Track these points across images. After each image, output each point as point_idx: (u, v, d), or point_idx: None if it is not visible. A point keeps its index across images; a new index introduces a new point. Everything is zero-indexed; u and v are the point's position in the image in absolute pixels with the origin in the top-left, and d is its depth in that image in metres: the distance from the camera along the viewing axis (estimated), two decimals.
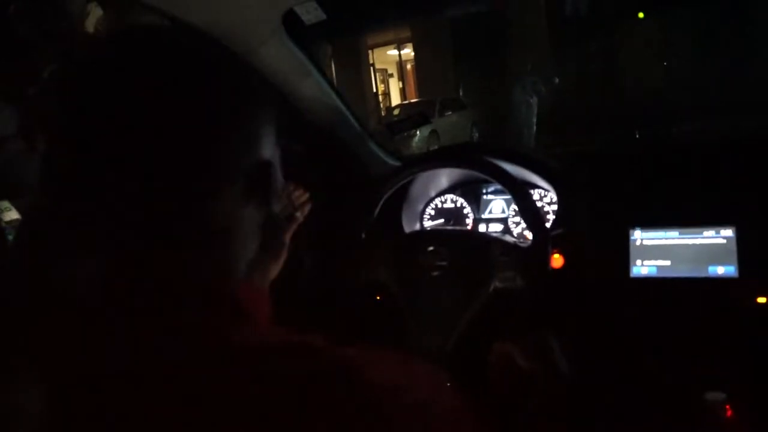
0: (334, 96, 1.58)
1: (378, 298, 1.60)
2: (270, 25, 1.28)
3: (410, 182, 1.70)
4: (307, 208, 1.06)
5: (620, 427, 1.22)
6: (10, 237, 1.45)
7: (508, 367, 1.01)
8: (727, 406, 1.12)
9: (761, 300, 1.25)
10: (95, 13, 1.27)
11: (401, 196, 1.72)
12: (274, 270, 0.68)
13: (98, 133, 0.51)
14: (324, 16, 1.31)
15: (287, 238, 0.77)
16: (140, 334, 0.50)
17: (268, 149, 0.60)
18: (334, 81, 1.55)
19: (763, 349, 1.21)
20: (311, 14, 1.29)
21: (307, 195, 1.07)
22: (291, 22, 1.32)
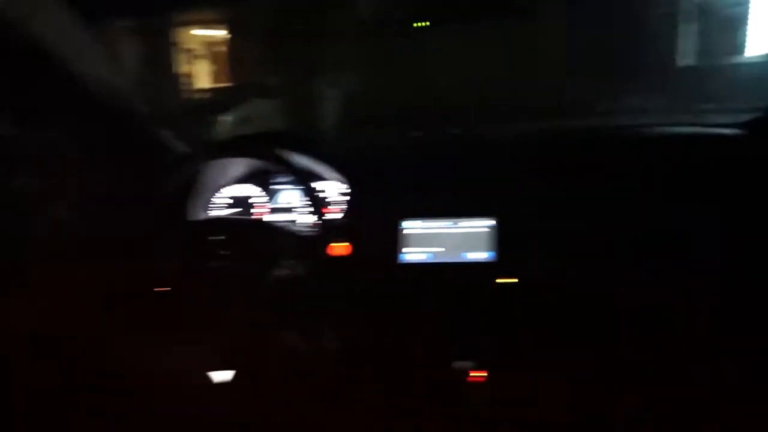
0: (117, 75, 1.49)
1: (163, 289, 1.57)
2: None
3: (199, 171, 1.68)
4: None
5: (379, 399, 1.34)
6: None
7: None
8: (471, 372, 1.29)
9: (513, 280, 1.44)
10: None
11: (190, 186, 1.69)
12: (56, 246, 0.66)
13: None
14: None
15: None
16: None
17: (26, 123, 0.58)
18: (129, 58, 1.47)
19: (507, 324, 1.40)
20: None
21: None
22: None
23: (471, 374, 1.29)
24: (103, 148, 1.63)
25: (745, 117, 1.56)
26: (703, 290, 1.32)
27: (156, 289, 1.54)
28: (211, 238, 1.41)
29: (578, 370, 1.29)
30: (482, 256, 1.49)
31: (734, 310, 1.31)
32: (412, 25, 1.49)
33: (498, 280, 1.41)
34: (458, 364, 1.28)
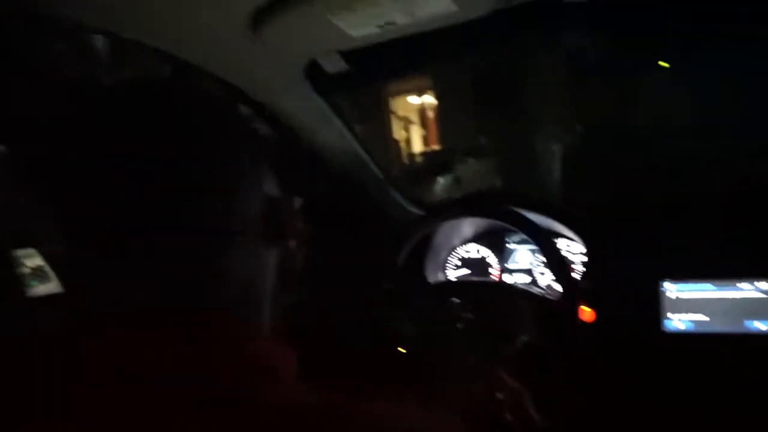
0: (354, 143, 1.57)
1: (402, 350, 1.56)
2: (293, 75, 1.29)
3: (434, 232, 1.68)
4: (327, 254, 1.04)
5: None
6: (34, 283, 1.45)
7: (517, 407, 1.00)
8: None
9: None
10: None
11: (425, 246, 1.70)
12: (297, 319, 0.67)
13: (113, 179, 0.50)
14: (347, 67, 1.32)
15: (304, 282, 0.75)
16: (172, 396, 0.48)
17: (287, 194, 0.59)
18: (355, 129, 1.57)
19: None
20: (334, 65, 1.30)
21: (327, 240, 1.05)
22: (314, 71, 1.33)
23: None
24: (347, 215, 1.72)
25: None
26: None
27: (399, 349, 1.55)
28: (455, 300, 1.37)
29: None
30: (762, 326, 1.25)
31: None
32: (656, 63, 1.35)
33: None
34: None
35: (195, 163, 0.52)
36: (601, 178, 1.89)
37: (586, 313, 1.36)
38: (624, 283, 1.37)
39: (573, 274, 1.44)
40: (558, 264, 1.34)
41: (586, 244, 1.50)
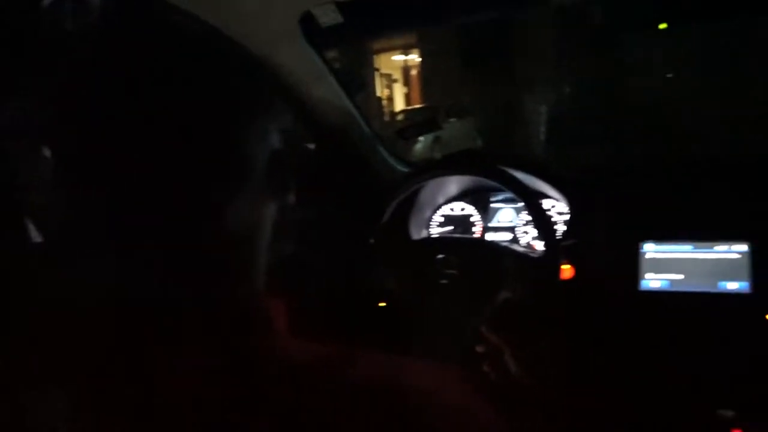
0: (347, 100, 1.57)
1: (383, 304, 1.59)
2: (287, 26, 1.27)
3: (419, 189, 1.69)
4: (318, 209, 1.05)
5: None
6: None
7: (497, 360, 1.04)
8: (736, 426, 1.11)
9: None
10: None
11: (409, 203, 1.71)
12: (287, 272, 0.68)
13: (111, 125, 0.50)
14: (341, 20, 1.30)
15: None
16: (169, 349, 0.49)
17: (280, 146, 0.60)
18: (346, 85, 1.56)
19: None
20: (328, 17, 1.28)
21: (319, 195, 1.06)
22: (308, 24, 1.32)
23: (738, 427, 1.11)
24: (332, 170, 1.73)
25: None
26: None
27: (379, 304, 1.58)
28: (438, 256, 1.39)
29: None
30: (735, 285, 1.30)
31: None
32: (657, 26, 1.35)
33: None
34: (722, 413, 1.11)
35: (195, 109, 0.52)
36: (587, 140, 1.91)
37: (567, 270, 1.40)
38: (605, 242, 1.40)
39: (556, 234, 1.47)
40: (543, 222, 1.36)
41: (570, 204, 1.52)
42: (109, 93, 0.50)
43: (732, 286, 1.30)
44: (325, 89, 1.51)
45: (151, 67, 0.52)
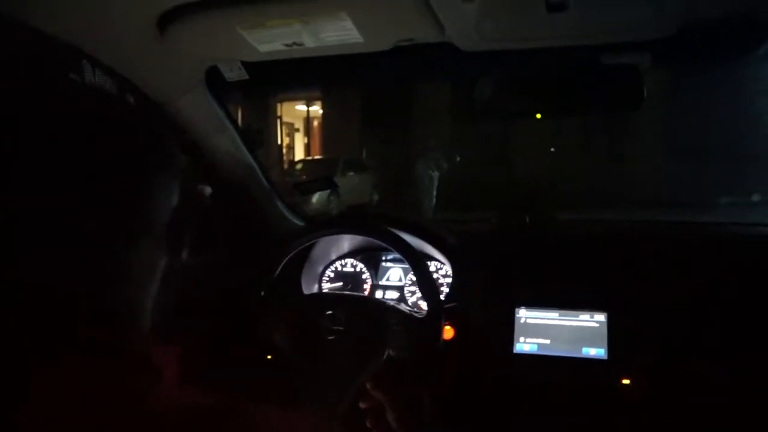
0: (247, 153, 1.60)
1: (269, 357, 1.59)
2: (193, 78, 1.29)
3: (313, 244, 1.73)
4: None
5: None
6: None
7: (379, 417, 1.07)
8: None
9: (626, 381, 1.38)
10: None
11: (303, 257, 1.74)
12: (174, 320, 0.69)
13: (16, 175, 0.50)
14: (246, 76, 1.34)
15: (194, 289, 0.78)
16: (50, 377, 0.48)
17: (179, 197, 0.61)
18: (247, 137, 1.58)
19: (626, 426, 1.32)
20: (234, 72, 1.32)
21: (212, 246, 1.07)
22: (213, 77, 1.35)
23: None
24: (229, 221, 1.73)
25: None
26: None
27: (266, 357, 1.57)
28: (327, 312, 1.42)
29: None
30: (593, 351, 1.43)
31: None
32: (534, 116, 1.51)
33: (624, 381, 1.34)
34: None
35: (99, 162, 0.54)
36: (472, 206, 2.05)
37: (448, 331, 1.47)
38: (484, 306, 1.50)
39: (440, 296, 1.56)
40: (427, 284, 1.44)
41: (453, 267, 1.62)
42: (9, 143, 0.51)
43: (592, 351, 1.43)
44: (226, 142, 1.53)
45: (53, 121, 0.53)
